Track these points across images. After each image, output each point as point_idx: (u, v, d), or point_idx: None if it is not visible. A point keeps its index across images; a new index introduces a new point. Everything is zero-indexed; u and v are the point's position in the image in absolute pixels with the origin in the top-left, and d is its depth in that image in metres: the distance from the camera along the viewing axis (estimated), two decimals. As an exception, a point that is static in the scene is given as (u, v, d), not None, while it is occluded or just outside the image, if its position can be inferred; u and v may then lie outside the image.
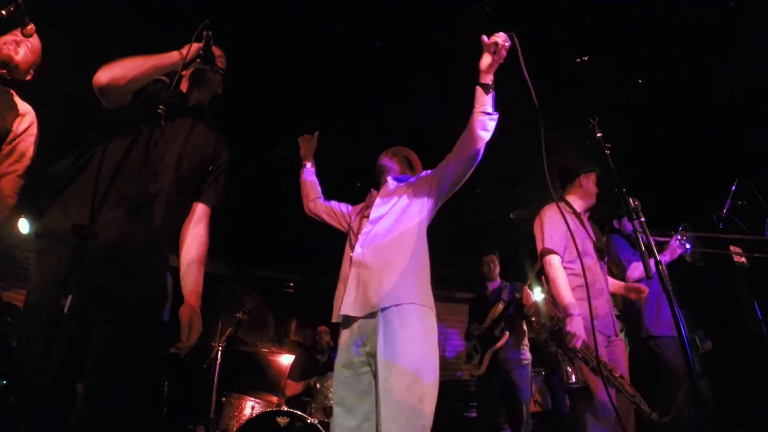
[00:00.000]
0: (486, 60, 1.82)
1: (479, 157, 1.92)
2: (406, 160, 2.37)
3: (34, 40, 2.10)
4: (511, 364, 3.83)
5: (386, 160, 2.31)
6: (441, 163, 2.07)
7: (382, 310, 1.79)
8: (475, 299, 4.44)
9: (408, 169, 2.35)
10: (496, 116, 1.87)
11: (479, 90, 1.85)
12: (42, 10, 1.93)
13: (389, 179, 2.25)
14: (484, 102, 1.85)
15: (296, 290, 6.85)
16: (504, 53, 1.78)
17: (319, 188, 2.51)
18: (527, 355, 3.95)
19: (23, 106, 2.06)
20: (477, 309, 4.26)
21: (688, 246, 2.99)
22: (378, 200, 2.13)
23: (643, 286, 2.79)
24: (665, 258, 3.00)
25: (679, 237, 3.01)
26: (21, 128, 2.01)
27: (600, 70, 3.70)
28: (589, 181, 2.76)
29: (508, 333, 3.84)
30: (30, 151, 2.02)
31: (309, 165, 2.56)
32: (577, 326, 2.23)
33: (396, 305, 1.78)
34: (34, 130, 2.06)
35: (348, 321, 1.91)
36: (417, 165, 2.39)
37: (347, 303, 1.88)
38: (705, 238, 3.06)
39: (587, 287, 2.04)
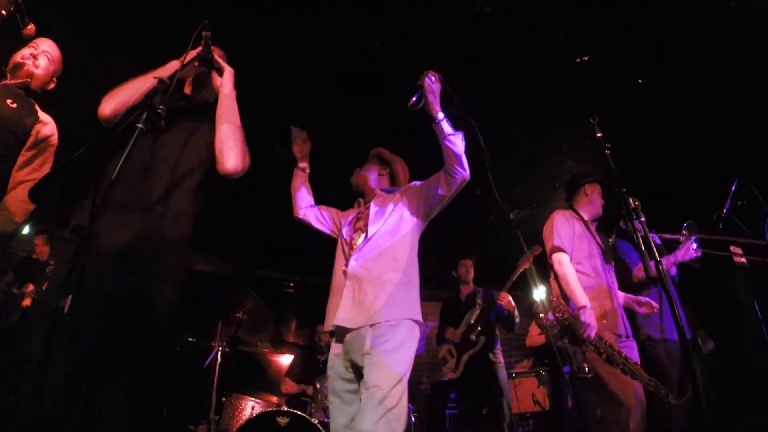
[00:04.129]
0: (423, 101, 1.98)
1: (466, 174, 2.01)
2: (376, 159, 2.44)
3: (54, 50, 2.15)
4: (488, 368, 3.91)
5: (356, 179, 2.38)
6: (429, 181, 2.13)
7: (371, 325, 1.88)
8: (447, 303, 4.46)
9: (381, 167, 2.41)
10: (459, 134, 1.99)
11: (433, 126, 1.99)
12: (40, 10, 1.93)
13: (378, 191, 2.31)
14: (441, 131, 1.98)
15: (296, 290, 6.85)
16: (435, 88, 1.96)
17: (311, 196, 2.48)
18: (501, 358, 4.05)
19: (44, 116, 2.12)
20: (450, 313, 4.29)
21: (695, 246, 2.98)
22: (372, 214, 2.17)
23: (653, 302, 2.76)
24: (676, 256, 2.95)
25: (694, 239, 2.98)
26: (42, 135, 2.07)
27: (600, 70, 3.71)
28: (593, 191, 2.82)
29: (484, 337, 3.90)
30: (50, 162, 2.09)
31: (305, 168, 2.47)
32: (590, 317, 2.29)
33: (386, 321, 1.87)
34: (55, 140, 2.13)
35: (340, 331, 2.00)
36: (391, 160, 2.44)
37: (342, 315, 1.96)
38: (708, 239, 3.05)
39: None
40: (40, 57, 2.09)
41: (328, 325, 2.04)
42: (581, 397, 2.56)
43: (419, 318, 1.97)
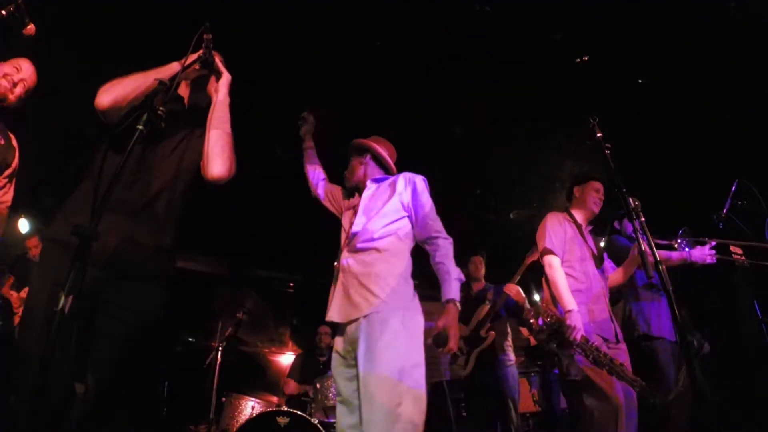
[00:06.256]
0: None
1: None
2: (353, 152, 2.33)
3: (31, 76, 2.13)
4: (497, 364, 3.87)
5: (351, 180, 2.28)
6: (416, 221, 2.10)
7: (365, 316, 1.85)
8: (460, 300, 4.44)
9: (359, 157, 2.30)
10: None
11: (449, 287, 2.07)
12: (42, 11, 1.93)
13: (369, 183, 2.22)
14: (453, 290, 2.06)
15: (296, 290, 6.86)
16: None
17: (321, 170, 2.50)
18: (511, 356, 3.99)
19: (13, 141, 2.16)
20: (462, 310, 4.25)
21: (687, 249, 2.97)
22: (362, 208, 2.15)
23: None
24: (691, 255, 2.90)
25: (710, 248, 2.94)
26: (15, 162, 2.14)
27: (600, 70, 3.71)
28: (584, 191, 2.81)
29: (493, 333, 3.87)
30: (13, 183, 2.16)
31: (311, 146, 2.54)
32: (576, 320, 2.33)
33: (376, 312, 1.85)
34: (18, 162, 2.18)
35: (340, 325, 1.99)
36: (366, 144, 2.31)
37: (333, 310, 1.97)
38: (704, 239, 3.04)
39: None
40: (18, 85, 2.09)
41: (328, 318, 2.03)
42: (570, 398, 2.59)
43: (416, 306, 1.95)
